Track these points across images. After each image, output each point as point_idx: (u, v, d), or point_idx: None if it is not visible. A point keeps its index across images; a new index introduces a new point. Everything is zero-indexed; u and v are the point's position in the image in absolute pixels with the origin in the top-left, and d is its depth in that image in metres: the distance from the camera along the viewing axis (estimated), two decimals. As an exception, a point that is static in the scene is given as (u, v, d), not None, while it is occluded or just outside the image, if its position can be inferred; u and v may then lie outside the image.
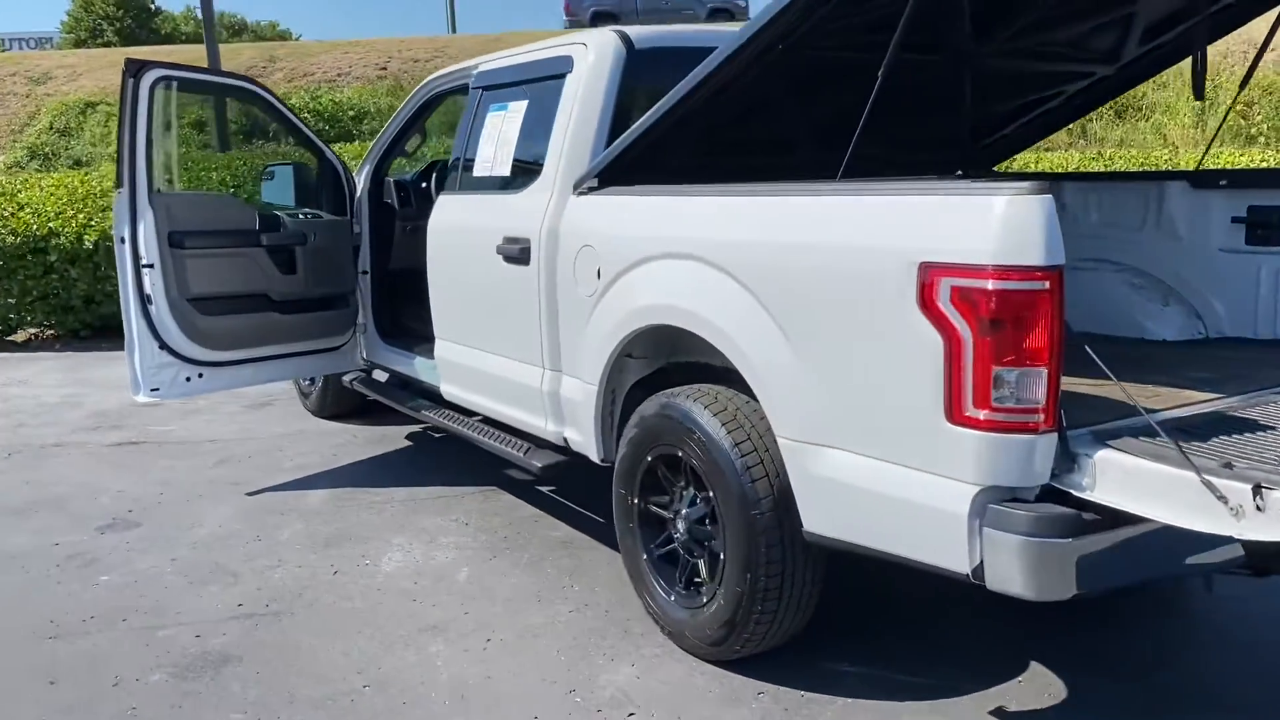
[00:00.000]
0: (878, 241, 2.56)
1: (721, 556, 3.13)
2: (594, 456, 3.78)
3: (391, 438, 5.93)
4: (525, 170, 4.15)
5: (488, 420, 4.59)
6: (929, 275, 2.42)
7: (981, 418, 2.38)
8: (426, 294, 5.85)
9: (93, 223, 8.77)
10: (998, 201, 2.33)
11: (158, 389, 4.93)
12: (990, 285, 2.33)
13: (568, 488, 4.83)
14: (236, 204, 5.21)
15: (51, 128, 20.78)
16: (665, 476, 3.39)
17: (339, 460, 5.53)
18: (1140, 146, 16.06)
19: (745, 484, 2.99)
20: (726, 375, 3.50)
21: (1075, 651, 3.29)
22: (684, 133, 3.51)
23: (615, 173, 3.65)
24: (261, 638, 3.51)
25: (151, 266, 4.79)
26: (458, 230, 4.50)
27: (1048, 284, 2.31)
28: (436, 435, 5.99)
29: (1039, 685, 3.11)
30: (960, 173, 4.69)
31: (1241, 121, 17.28)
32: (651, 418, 3.35)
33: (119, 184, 4.77)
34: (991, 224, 2.33)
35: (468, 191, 4.53)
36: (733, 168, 3.85)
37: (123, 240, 4.80)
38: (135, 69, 4.67)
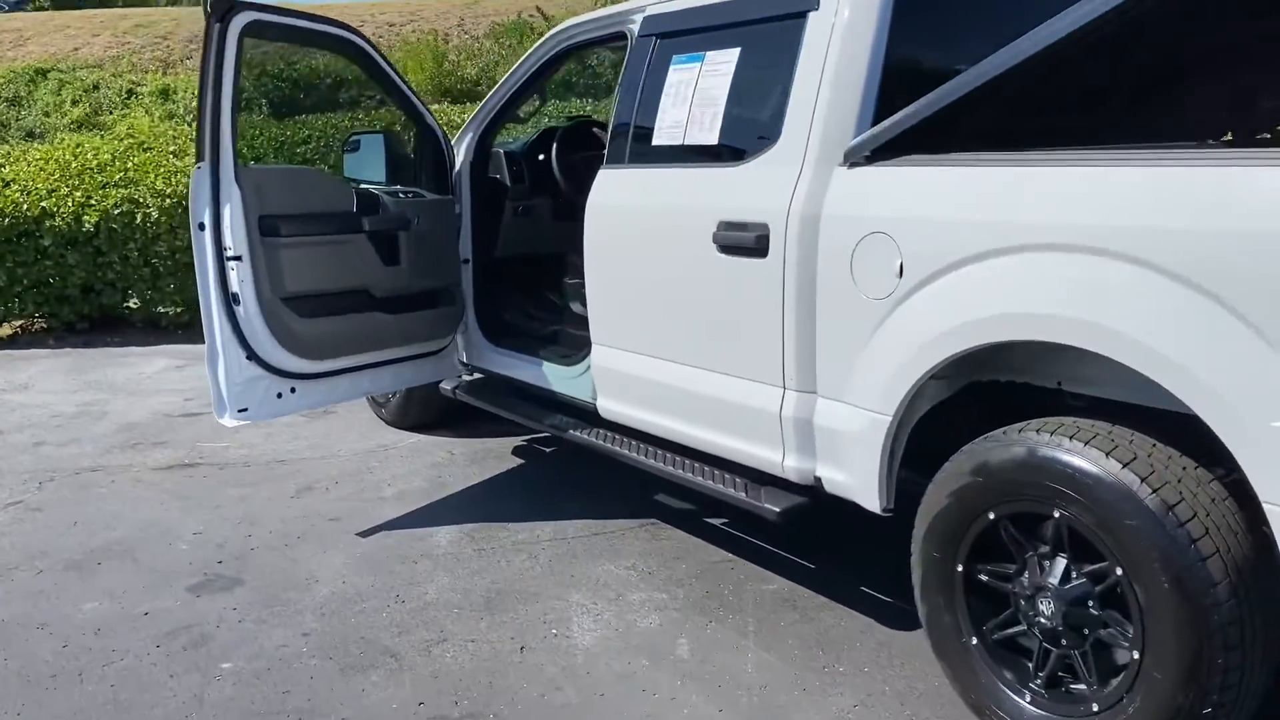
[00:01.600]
0: None
1: (1135, 655, 2.33)
2: (871, 504, 2.96)
3: (497, 454, 5.05)
4: (748, 136, 3.30)
5: (664, 445, 3.76)
6: None
7: None
8: (546, 286, 5.03)
9: (92, 201, 7.72)
10: None
11: (246, 409, 4.02)
12: None
13: (745, 521, 3.99)
14: (330, 180, 4.30)
15: None
16: (1014, 539, 2.59)
17: (448, 485, 4.64)
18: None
19: (1190, 562, 2.20)
20: (1061, 399, 2.74)
21: None
22: (1008, 88, 2.69)
23: (906, 139, 2.82)
24: (471, 757, 2.66)
25: (239, 259, 3.87)
26: (639, 213, 3.63)
27: None
28: (547, 449, 5.13)
29: None
30: (1229, 136, 3.91)
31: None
32: (1004, 464, 2.53)
33: (199, 156, 3.83)
34: None
35: (646, 164, 3.66)
36: (1027, 130, 3.03)
37: (202, 227, 3.86)
38: (222, 10, 3.73)
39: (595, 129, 5.19)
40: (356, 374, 4.40)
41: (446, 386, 4.86)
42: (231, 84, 3.82)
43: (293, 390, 4.18)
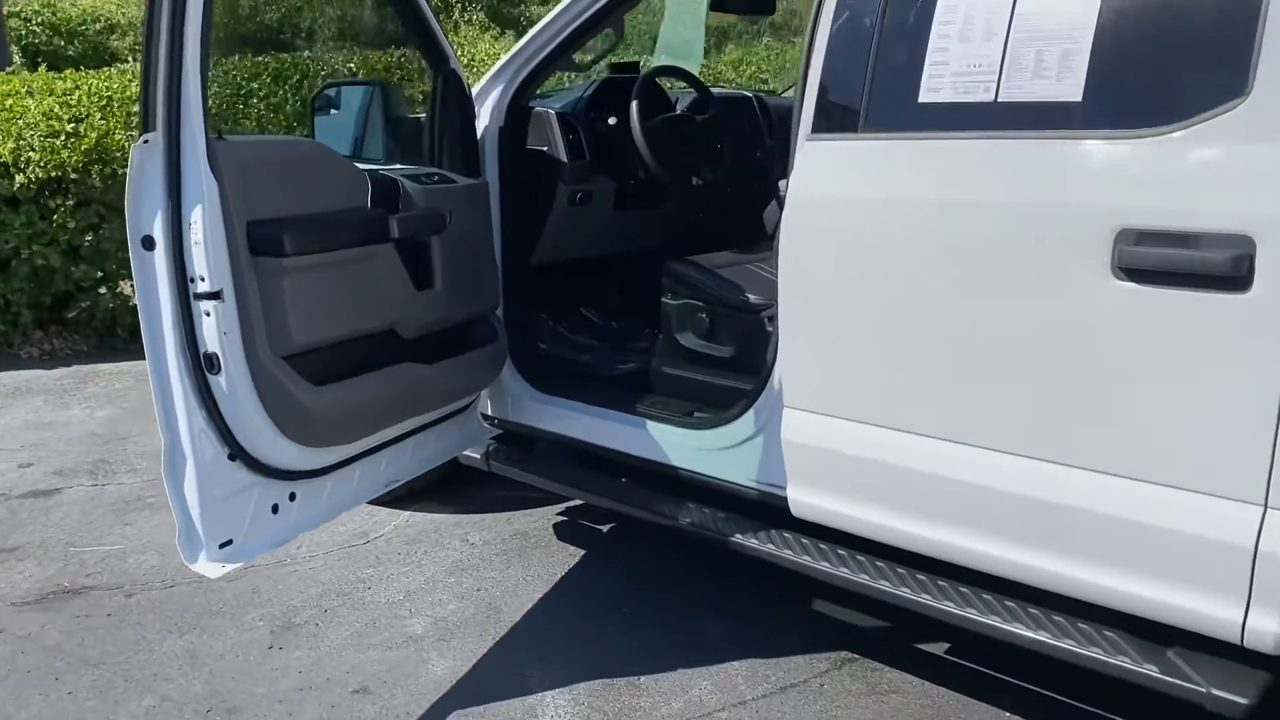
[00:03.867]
0: None
1: None
2: None
3: (536, 540, 3.59)
4: (1165, 87, 2.02)
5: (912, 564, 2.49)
6: None
7: None
8: (618, 305, 3.62)
9: None
10: None
11: (230, 542, 2.44)
12: None
13: (977, 650, 2.69)
14: (338, 159, 2.70)
15: None
16: None
17: (501, 608, 3.16)
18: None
19: None
20: None
21: None
22: None
23: None
24: None
25: (217, 297, 2.28)
26: (913, 211, 2.29)
27: None
28: (601, 527, 3.71)
29: None
30: None
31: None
32: None
33: (146, 124, 2.22)
34: None
35: (912, 132, 2.32)
36: None
37: (151, 244, 2.27)
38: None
39: (656, 80, 3.76)
40: (371, 460, 2.87)
41: (474, 455, 3.36)
42: (201, 11, 2.21)
43: (292, 497, 2.62)
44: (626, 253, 3.65)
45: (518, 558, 3.45)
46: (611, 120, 3.43)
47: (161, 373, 2.30)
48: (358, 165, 2.77)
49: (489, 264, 3.13)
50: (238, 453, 2.41)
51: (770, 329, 2.86)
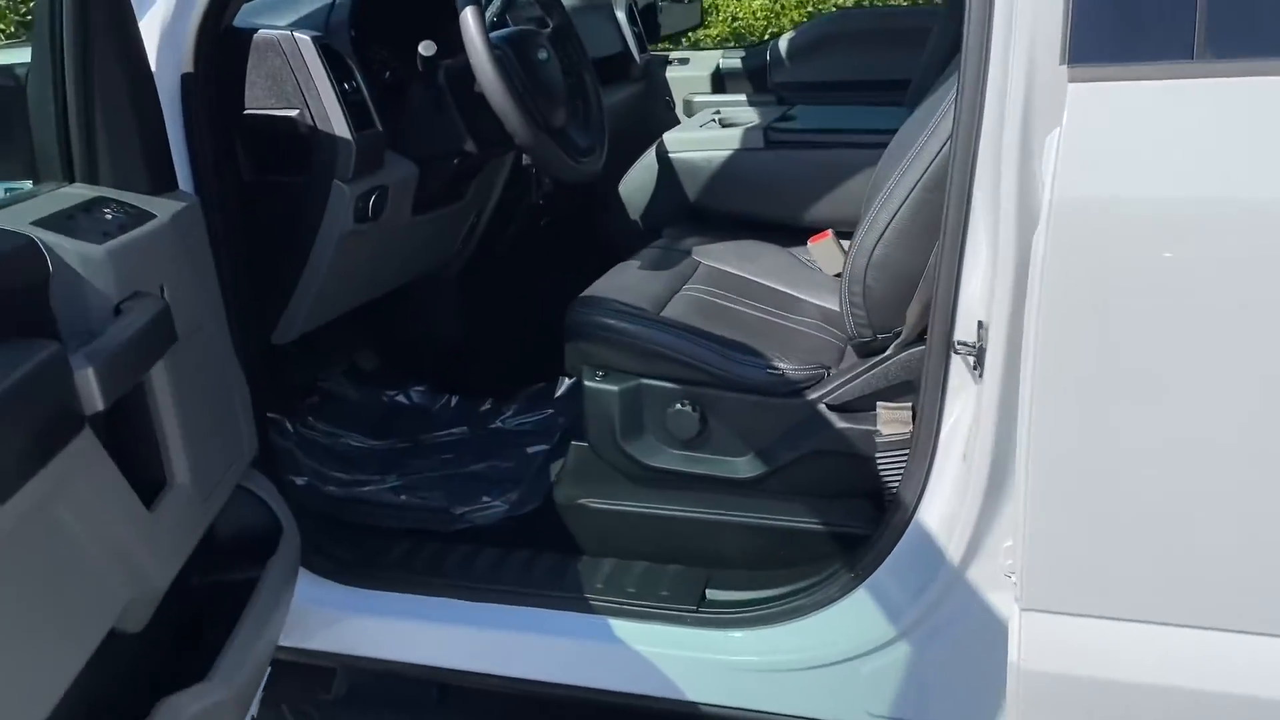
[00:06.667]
0: None
1: None
2: None
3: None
4: None
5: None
6: None
7: None
8: (435, 379, 2.13)
9: None
10: None
11: None
12: None
13: None
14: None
15: None
16: None
17: None
18: None
19: None
20: None
21: None
22: None
23: None
24: None
25: None
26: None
27: None
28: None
29: None
30: None
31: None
32: None
33: None
34: None
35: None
36: None
37: None
38: None
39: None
40: None
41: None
42: None
43: None
44: (426, 281, 2.08)
45: None
46: (425, 49, 1.75)
47: None
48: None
49: (233, 373, 1.46)
50: None
51: (842, 424, 1.58)
